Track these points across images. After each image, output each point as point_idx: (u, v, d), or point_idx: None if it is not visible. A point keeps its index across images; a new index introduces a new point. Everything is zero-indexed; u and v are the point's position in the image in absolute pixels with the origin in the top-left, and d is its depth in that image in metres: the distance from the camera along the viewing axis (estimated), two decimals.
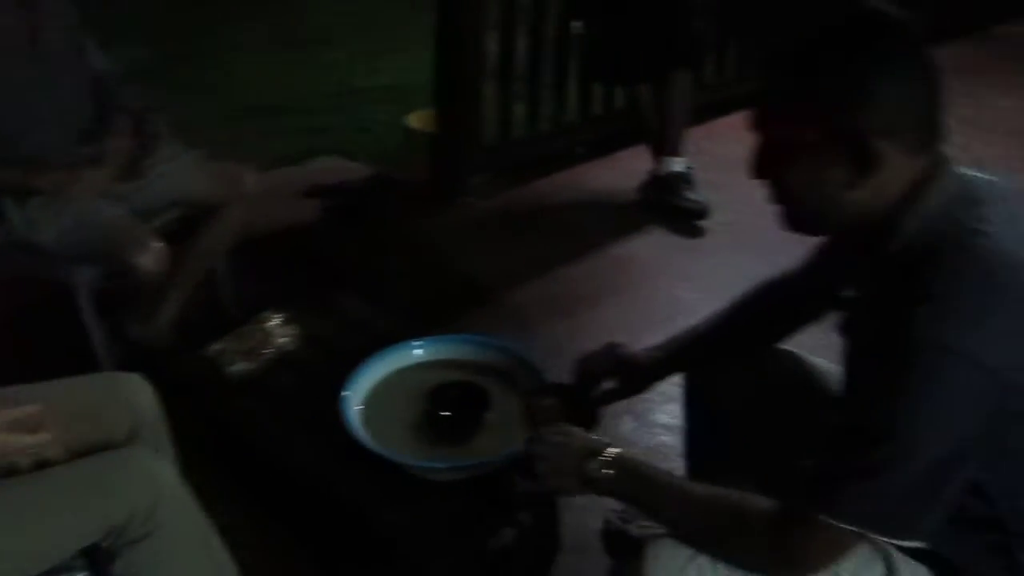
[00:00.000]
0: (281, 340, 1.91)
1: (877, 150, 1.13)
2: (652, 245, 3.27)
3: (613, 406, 2.42)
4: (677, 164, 3.33)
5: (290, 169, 3.79)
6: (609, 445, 1.33)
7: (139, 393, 1.55)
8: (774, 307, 1.60)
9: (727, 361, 1.60)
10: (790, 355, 1.59)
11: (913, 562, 1.20)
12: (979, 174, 1.20)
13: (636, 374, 1.67)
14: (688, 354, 1.65)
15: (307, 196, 3.42)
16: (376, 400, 1.72)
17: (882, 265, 1.17)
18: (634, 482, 1.29)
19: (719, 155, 3.60)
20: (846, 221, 1.21)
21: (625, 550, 1.85)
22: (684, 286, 2.96)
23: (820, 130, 1.14)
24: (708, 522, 1.23)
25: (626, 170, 3.71)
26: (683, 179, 3.33)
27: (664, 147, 3.34)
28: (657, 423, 2.37)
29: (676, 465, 2.17)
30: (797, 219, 1.25)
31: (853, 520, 1.10)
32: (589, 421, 1.57)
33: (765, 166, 1.23)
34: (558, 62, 3.68)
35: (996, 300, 1.06)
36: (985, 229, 1.11)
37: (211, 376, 1.81)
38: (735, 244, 3.14)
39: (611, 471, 1.29)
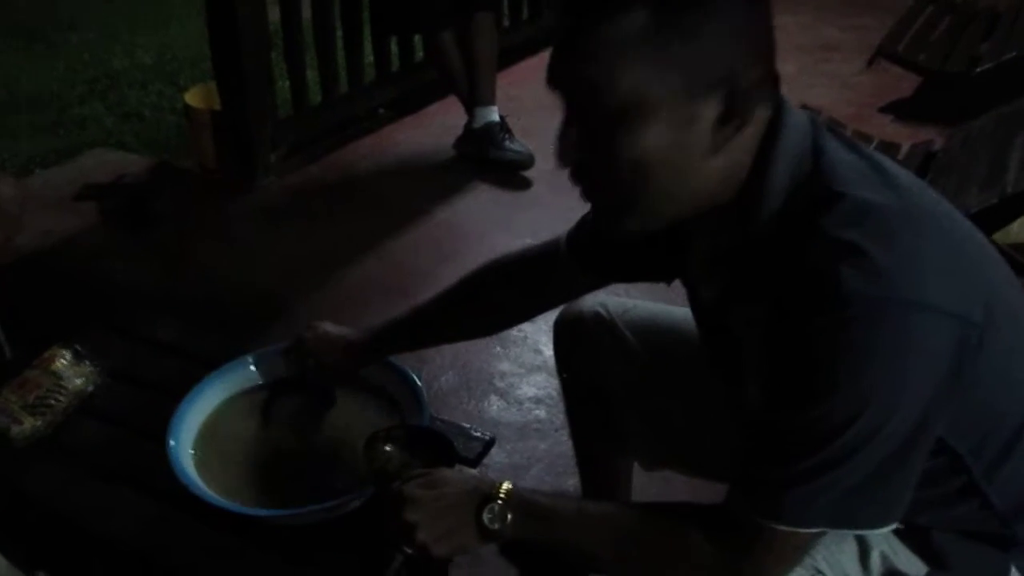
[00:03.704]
0: (76, 383, 1.55)
1: (749, 97, 0.90)
2: (478, 203, 3.05)
3: (476, 387, 2.21)
4: (492, 113, 3.13)
5: (55, 170, 3.32)
6: (495, 481, 1.05)
7: None
8: (512, 286, 1.46)
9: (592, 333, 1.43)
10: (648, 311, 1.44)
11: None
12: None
13: (359, 356, 1.45)
14: (411, 332, 1.46)
15: (80, 199, 2.98)
16: (209, 442, 1.41)
17: (746, 243, 0.97)
18: (542, 522, 1.04)
19: (528, 100, 3.43)
20: (700, 202, 0.96)
21: (528, 556, 1.69)
22: (519, 242, 2.75)
23: (677, 77, 0.88)
24: (641, 553, 1.02)
25: (436, 126, 3.49)
26: (501, 128, 3.12)
27: (476, 97, 3.12)
28: (525, 398, 2.18)
29: (553, 441, 2.01)
30: (630, 211, 0.98)
31: (817, 523, 0.94)
32: (448, 454, 1.20)
33: (588, 142, 0.94)
34: (348, 18, 3.35)
35: (921, 237, 0.90)
36: (859, 167, 0.94)
37: None
38: (563, 190, 2.94)
39: (510, 514, 1.02)
